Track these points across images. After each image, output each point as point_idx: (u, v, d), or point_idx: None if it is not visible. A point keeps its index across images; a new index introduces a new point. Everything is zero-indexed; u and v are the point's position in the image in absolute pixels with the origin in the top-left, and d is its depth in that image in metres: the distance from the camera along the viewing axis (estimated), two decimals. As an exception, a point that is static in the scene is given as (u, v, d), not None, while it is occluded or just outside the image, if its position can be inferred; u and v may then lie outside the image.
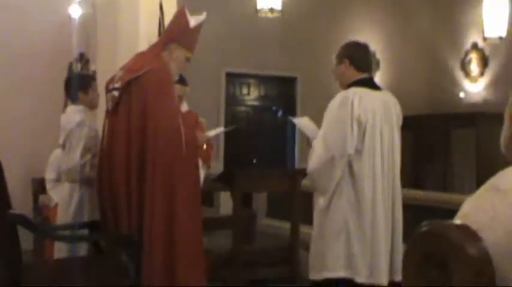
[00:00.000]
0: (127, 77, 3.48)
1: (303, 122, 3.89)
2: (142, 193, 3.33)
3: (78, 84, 4.36)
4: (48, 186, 4.60)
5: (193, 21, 3.65)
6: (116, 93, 3.52)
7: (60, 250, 4.13)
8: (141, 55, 3.78)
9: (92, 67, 5.91)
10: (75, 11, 6.40)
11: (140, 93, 3.41)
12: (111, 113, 3.57)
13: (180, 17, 3.70)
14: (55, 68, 5.86)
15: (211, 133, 4.12)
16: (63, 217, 4.19)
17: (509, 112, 1.41)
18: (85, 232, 3.80)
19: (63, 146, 4.26)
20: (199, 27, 3.69)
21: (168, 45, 3.64)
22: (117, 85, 3.52)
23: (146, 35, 5.07)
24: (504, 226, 1.23)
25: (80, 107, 4.30)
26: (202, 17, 3.69)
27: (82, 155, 4.15)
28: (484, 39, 7.88)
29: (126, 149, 3.40)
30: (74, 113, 4.27)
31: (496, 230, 1.24)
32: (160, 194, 3.32)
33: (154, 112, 3.37)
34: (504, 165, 1.37)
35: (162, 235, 3.32)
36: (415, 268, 1.21)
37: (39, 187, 5.37)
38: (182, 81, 4.26)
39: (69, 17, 6.39)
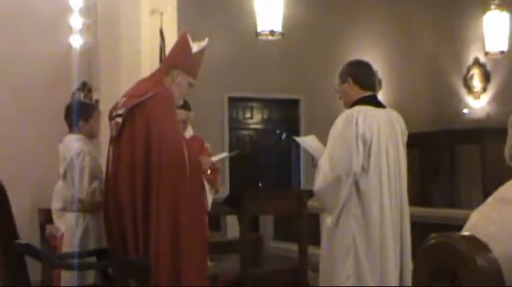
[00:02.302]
0: (130, 103, 3.49)
1: (308, 142, 3.88)
2: (147, 216, 3.34)
3: (79, 112, 4.36)
4: (54, 216, 4.58)
5: (195, 47, 3.67)
6: (119, 120, 3.53)
7: (67, 280, 4.11)
8: (143, 81, 3.80)
9: (95, 96, 5.93)
10: (76, 41, 6.44)
11: (143, 118, 3.42)
12: (115, 140, 3.58)
13: (182, 43, 3.72)
14: (58, 98, 5.87)
15: (215, 158, 4.12)
16: (69, 246, 4.17)
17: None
18: (92, 259, 3.79)
19: (64, 176, 4.25)
20: (202, 53, 3.71)
21: (171, 70, 3.66)
22: (120, 112, 3.54)
23: (148, 62, 5.10)
24: (513, 236, 1.22)
25: (79, 136, 4.29)
26: (204, 43, 3.72)
27: (89, 184, 4.15)
28: (486, 53, 7.89)
29: (131, 173, 3.41)
30: (72, 143, 4.26)
31: (505, 241, 1.23)
32: (165, 216, 3.32)
33: (157, 136, 3.38)
34: (511, 175, 1.37)
35: (168, 255, 3.31)
36: (425, 280, 1.20)
37: (46, 217, 5.35)
38: (186, 106, 4.27)
39: (69, 46, 6.43)
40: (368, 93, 3.66)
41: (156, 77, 3.71)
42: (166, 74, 3.66)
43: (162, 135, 3.40)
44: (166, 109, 3.52)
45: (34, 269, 3.72)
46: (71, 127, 4.36)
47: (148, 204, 3.34)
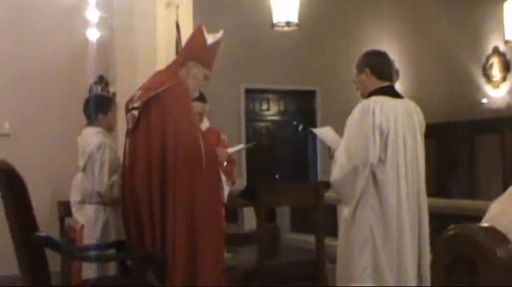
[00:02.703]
0: (146, 96, 3.50)
1: (324, 133, 3.87)
2: (164, 209, 3.34)
3: (98, 105, 4.39)
4: (73, 209, 4.62)
5: (210, 39, 3.67)
6: (135, 112, 3.54)
7: (88, 271, 4.14)
8: (159, 74, 3.80)
9: (112, 89, 5.96)
10: (92, 34, 6.46)
11: (159, 111, 3.43)
12: (131, 133, 3.59)
13: (197, 35, 3.71)
14: (75, 91, 5.91)
15: (232, 150, 4.12)
16: (89, 238, 4.21)
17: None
18: (112, 251, 3.81)
19: (84, 169, 4.27)
20: (217, 45, 3.71)
21: (186, 63, 3.66)
22: (136, 104, 3.55)
23: (164, 55, 5.11)
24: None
25: (98, 129, 4.32)
26: (219, 35, 3.71)
27: (108, 177, 4.17)
28: (506, 42, 7.79)
29: (147, 165, 3.41)
30: (92, 135, 4.29)
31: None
32: (182, 209, 3.32)
33: (172, 127, 3.38)
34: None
35: (184, 248, 3.31)
36: (444, 271, 1.20)
37: (65, 209, 5.39)
38: (202, 98, 4.28)
39: (86, 40, 6.46)
40: (385, 83, 3.64)
41: (172, 69, 3.71)
42: (181, 66, 3.66)
43: (178, 128, 3.39)
44: (182, 102, 3.52)
45: (54, 260, 3.75)
46: (90, 120, 4.38)
47: (164, 197, 3.35)
